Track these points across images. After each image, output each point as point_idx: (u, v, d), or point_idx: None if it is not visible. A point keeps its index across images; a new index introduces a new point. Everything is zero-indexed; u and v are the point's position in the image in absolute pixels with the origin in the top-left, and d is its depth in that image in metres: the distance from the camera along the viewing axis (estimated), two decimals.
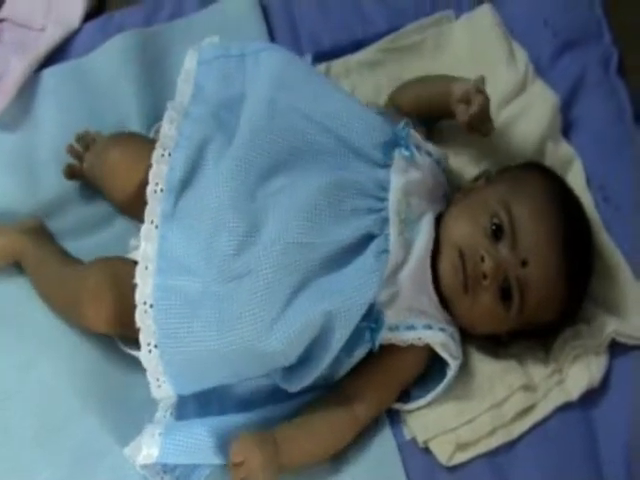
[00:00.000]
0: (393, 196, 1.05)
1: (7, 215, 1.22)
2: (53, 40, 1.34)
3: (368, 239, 1.04)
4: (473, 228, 1.06)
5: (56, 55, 1.35)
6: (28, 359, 1.14)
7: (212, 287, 1.00)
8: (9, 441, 1.09)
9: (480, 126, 1.12)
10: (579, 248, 1.08)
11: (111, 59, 1.30)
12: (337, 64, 1.35)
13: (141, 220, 1.06)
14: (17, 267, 1.20)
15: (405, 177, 1.07)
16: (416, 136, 1.11)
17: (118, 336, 1.12)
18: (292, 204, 1.03)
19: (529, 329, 1.09)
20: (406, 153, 1.08)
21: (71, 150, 1.26)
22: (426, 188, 1.11)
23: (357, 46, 1.36)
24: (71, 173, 1.26)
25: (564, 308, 1.08)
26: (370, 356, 1.05)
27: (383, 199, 1.06)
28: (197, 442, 1.00)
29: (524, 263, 1.03)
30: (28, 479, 1.06)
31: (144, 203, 1.05)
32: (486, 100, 1.10)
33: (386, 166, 1.07)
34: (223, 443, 1.01)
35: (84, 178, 1.26)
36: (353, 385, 1.06)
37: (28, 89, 1.31)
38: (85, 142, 1.26)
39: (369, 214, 1.05)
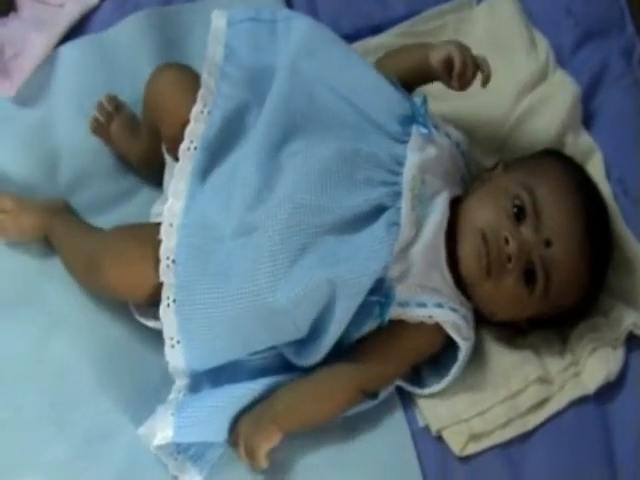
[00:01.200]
0: (408, 171, 1.05)
1: (28, 189, 1.22)
2: (72, 17, 1.34)
3: (379, 210, 1.04)
4: (495, 211, 1.06)
5: (75, 32, 1.34)
6: (41, 337, 1.14)
7: (227, 242, 1.03)
8: (22, 419, 1.09)
9: (472, 79, 1.10)
10: (600, 227, 1.08)
11: (131, 36, 1.30)
12: (356, 47, 1.33)
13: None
14: (28, 245, 1.20)
15: (422, 154, 1.07)
16: (435, 116, 1.11)
17: (136, 303, 1.11)
18: (306, 167, 1.04)
19: (549, 316, 1.08)
20: (424, 130, 1.08)
21: (101, 108, 1.26)
22: (443, 168, 1.10)
23: (376, 30, 1.36)
24: (97, 129, 1.26)
25: (586, 290, 1.07)
26: (380, 329, 1.05)
27: (398, 173, 1.06)
28: (208, 415, 1.02)
29: (548, 243, 1.03)
30: (40, 456, 1.06)
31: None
32: (464, 54, 1.07)
33: (403, 142, 1.08)
34: (233, 415, 1.03)
35: (107, 138, 1.26)
36: (360, 352, 1.06)
37: (46, 65, 1.30)
38: (115, 104, 1.26)
39: (382, 186, 1.05)
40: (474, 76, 1.08)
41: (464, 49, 1.08)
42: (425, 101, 1.09)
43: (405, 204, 1.03)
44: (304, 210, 1.01)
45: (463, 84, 1.08)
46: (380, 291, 1.01)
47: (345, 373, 1.05)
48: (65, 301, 1.16)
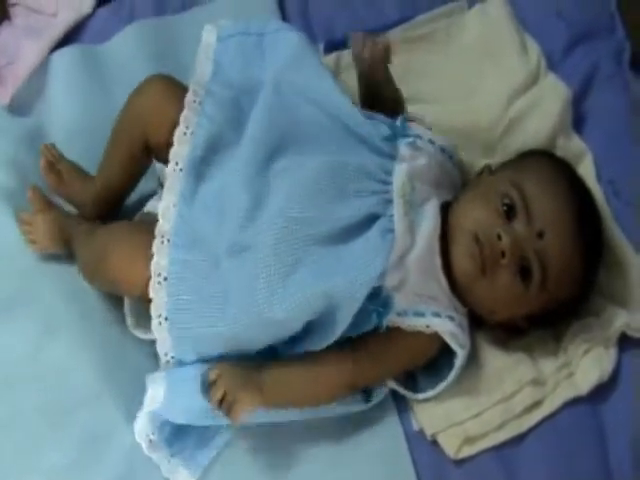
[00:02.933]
0: (397, 178, 1.06)
1: (21, 197, 1.22)
2: (65, 25, 1.35)
3: (372, 219, 1.05)
4: (485, 211, 1.07)
5: (68, 40, 1.35)
6: (38, 340, 1.14)
7: (221, 262, 1.04)
8: (18, 423, 1.09)
9: (378, 69, 1.14)
10: (591, 216, 1.09)
11: (124, 46, 1.31)
12: (348, 54, 1.34)
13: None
14: (20, 246, 1.20)
15: (410, 164, 1.08)
16: (417, 126, 1.12)
17: (135, 295, 1.10)
18: (295, 182, 1.05)
19: (547, 311, 1.09)
20: (409, 140, 1.09)
21: (46, 151, 1.22)
22: (431, 174, 1.11)
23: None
24: (47, 168, 1.23)
25: (581, 280, 1.08)
26: (377, 331, 1.05)
27: (387, 182, 1.07)
28: (197, 373, 1.02)
29: (540, 235, 1.04)
30: (38, 461, 1.07)
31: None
32: (369, 43, 1.12)
33: (392, 157, 1.09)
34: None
35: (58, 179, 1.23)
36: (352, 347, 1.06)
37: (40, 72, 1.31)
38: (54, 153, 1.24)
39: (373, 195, 1.06)
40: (376, 50, 1.12)
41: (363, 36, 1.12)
42: (404, 120, 1.11)
43: (397, 210, 1.04)
44: (295, 224, 1.02)
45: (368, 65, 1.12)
46: (378, 300, 1.02)
47: (336, 365, 1.05)
48: (63, 303, 1.16)
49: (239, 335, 1.02)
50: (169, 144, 1.10)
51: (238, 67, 1.15)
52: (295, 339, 1.04)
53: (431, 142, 1.13)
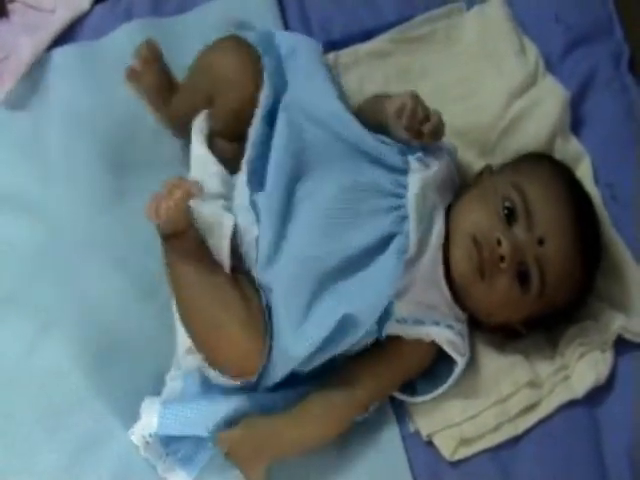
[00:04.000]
0: (411, 192, 1.06)
1: (17, 193, 1.22)
2: (63, 22, 1.34)
3: (388, 239, 1.04)
4: (486, 214, 1.06)
5: (66, 37, 1.34)
6: (32, 342, 1.14)
7: None
8: (13, 426, 1.09)
9: (421, 128, 1.06)
10: (591, 223, 1.10)
11: (124, 44, 1.29)
12: (346, 54, 1.34)
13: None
14: (20, 245, 1.19)
15: (422, 174, 1.08)
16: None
17: None
18: (310, 215, 1.05)
19: (545, 315, 1.09)
20: (418, 154, 1.08)
21: (137, 54, 1.22)
22: (441, 180, 1.11)
23: (367, 36, 1.36)
24: (131, 75, 1.23)
25: (581, 285, 1.08)
26: (376, 346, 1.06)
27: (401, 196, 1.06)
28: (197, 414, 1.02)
29: (541, 242, 1.04)
30: (33, 464, 1.06)
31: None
32: (415, 102, 1.06)
33: (404, 171, 1.08)
34: (223, 417, 1.02)
35: (141, 87, 1.23)
36: (355, 371, 1.06)
37: (37, 69, 1.31)
38: (153, 52, 1.22)
39: (388, 213, 1.05)
40: (422, 124, 1.06)
41: (417, 99, 1.07)
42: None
43: (412, 226, 1.04)
44: (312, 261, 1.02)
45: (411, 132, 1.06)
46: None
47: (342, 398, 1.04)
48: (57, 304, 1.15)
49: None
50: (238, 113, 1.11)
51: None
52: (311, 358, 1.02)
53: (439, 147, 1.12)
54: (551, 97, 1.25)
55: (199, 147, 1.12)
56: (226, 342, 1.00)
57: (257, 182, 1.09)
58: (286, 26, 1.35)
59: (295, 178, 1.07)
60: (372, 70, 1.33)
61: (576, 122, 1.26)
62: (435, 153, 1.11)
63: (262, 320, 1.00)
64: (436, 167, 1.09)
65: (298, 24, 1.36)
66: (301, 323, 0.99)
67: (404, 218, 1.05)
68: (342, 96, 1.17)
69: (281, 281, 1.02)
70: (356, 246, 1.03)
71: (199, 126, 1.14)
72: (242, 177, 1.10)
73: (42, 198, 1.23)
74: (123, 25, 1.33)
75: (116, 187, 1.25)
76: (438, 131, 1.07)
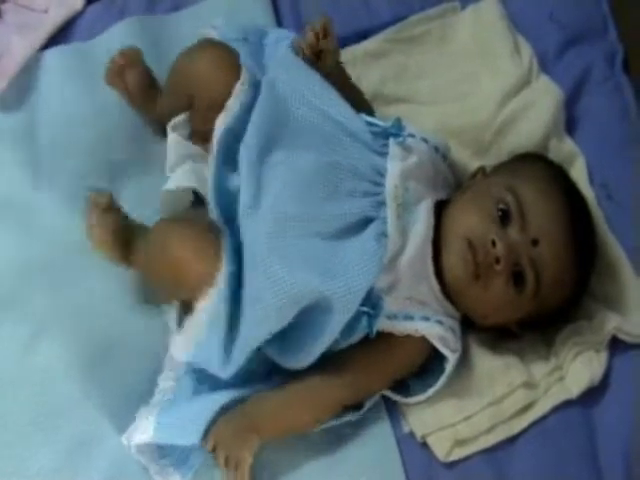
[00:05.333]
0: (390, 181, 1.06)
1: (8, 195, 1.22)
2: (55, 21, 1.34)
3: (365, 222, 1.04)
4: (480, 217, 1.06)
5: (59, 36, 1.35)
6: (26, 343, 1.13)
7: None
8: (7, 427, 1.08)
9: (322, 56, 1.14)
10: (586, 224, 1.10)
11: (117, 43, 1.29)
12: (342, 53, 1.33)
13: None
14: (15, 247, 1.19)
15: (402, 163, 1.08)
16: (409, 125, 1.12)
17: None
18: (286, 179, 1.05)
19: (541, 317, 1.09)
20: (399, 139, 1.09)
21: (120, 56, 1.25)
22: (424, 173, 1.11)
23: (363, 36, 1.36)
24: (111, 78, 1.26)
25: (575, 286, 1.08)
26: (366, 340, 1.05)
27: (379, 184, 1.06)
28: (190, 418, 1.02)
29: (535, 242, 1.04)
30: (26, 466, 1.06)
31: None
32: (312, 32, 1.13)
33: (383, 154, 1.08)
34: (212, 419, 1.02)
35: (123, 88, 1.26)
36: (345, 368, 1.05)
37: (30, 69, 1.31)
38: (133, 56, 1.26)
39: (365, 197, 1.06)
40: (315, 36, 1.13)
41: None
42: (397, 120, 1.11)
43: (390, 214, 1.04)
44: (285, 220, 1.02)
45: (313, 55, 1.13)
46: (369, 302, 1.01)
47: (328, 386, 1.05)
48: (52, 306, 1.15)
49: None
50: (212, 113, 1.13)
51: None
52: (287, 344, 1.03)
53: (424, 140, 1.12)
54: (545, 97, 1.25)
55: (171, 136, 1.18)
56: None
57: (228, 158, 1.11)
58: (280, 26, 1.36)
59: (274, 140, 1.09)
60: (368, 70, 1.33)
61: (570, 121, 1.26)
62: (420, 144, 1.11)
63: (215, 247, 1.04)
64: (416, 159, 1.09)
65: (292, 24, 1.36)
66: (278, 271, 0.99)
67: (382, 204, 1.05)
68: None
69: (258, 238, 1.02)
70: (333, 215, 1.03)
71: (175, 126, 1.19)
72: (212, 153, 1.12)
73: (34, 200, 1.22)
74: (116, 24, 1.33)
75: (109, 188, 1.22)
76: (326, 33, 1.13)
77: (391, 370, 1.08)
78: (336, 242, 1.03)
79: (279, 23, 1.36)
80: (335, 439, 1.07)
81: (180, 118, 1.20)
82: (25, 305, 1.16)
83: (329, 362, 1.05)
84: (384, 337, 1.04)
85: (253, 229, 1.04)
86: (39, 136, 1.27)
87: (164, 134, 1.23)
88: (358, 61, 1.33)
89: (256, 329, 1.01)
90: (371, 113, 1.19)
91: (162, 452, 1.04)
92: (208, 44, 1.19)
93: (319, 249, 1.02)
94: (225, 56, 1.16)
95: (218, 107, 1.14)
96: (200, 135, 1.18)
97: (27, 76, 1.30)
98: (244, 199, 1.06)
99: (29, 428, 1.08)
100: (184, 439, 1.02)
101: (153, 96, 1.25)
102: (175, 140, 1.19)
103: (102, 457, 1.06)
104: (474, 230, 1.05)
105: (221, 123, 1.12)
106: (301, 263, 1.00)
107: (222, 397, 1.04)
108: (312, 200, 1.04)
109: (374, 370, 1.06)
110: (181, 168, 1.16)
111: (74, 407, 1.09)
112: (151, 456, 1.04)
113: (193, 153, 1.18)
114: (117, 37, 1.32)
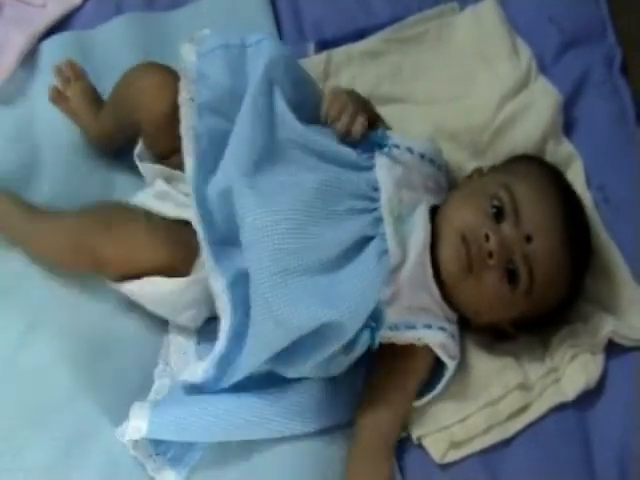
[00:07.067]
0: (384, 195, 1.06)
1: (10, 186, 1.20)
2: (53, 16, 1.35)
3: (365, 241, 1.03)
4: (474, 212, 1.06)
5: (57, 32, 1.34)
6: (19, 339, 1.12)
7: None
8: (1, 423, 1.07)
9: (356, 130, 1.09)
10: (580, 223, 1.10)
11: (114, 36, 1.30)
12: (339, 53, 1.34)
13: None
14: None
15: (392, 173, 1.07)
16: (393, 135, 1.11)
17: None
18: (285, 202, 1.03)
19: (534, 316, 1.08)
20: (385, 150, 1.08)
21: (59, 73, 1.26)
22: (415, 181, 1.11)
23: (360, 35, 1.36)
24: (55, 97, 1.26)
25: (569, 284, 1.08)
26: (378, 370, 1.07)
27: (375, 199, 1.06)
28: (186, 419, 1.01)
29: (528, 239, 1.04)
30: (21, 461, 1.05)
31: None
32: (333, 99, 1.09)
33: (370, 167, 1.08)
34: (212, 422, 1.01)
35: (65, 107, 1.26)
36: (369, 403, 1.06)
37: (29, 61, 1.31)
38: (74, 71, 1.26)
39: (362, 214, 1.05)
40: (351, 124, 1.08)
41: (338, 100, 1.09)
42: (382, 130, 1.10)
43: (388, 229, 1.03)
44: (288, 253, 0.99)
45: (341, 133, 1.09)
46: (371, 315, 1.00)
47: (379, 435, 1.05)
48: (46, 301, 1.15)
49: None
50: (158, 136, 1.13)
51: (224, 76, 1.13)
52: (287, 352, 1.01)
53: (409, 150, 1.11)
54: (543, 99, 1.26)
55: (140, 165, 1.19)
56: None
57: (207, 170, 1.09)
58: (279, 25, 1.36)
59: (265, 158, 1.06)
60: (365, 70, 1.33)
61: (568, 124, 1.27)
62: (404, 154, 1.10)
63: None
64: (402, 170, 1.09)
65: (291, 23, 1.37)
66: (282, 310, 0.97)
67: (379, 220, 1.04)
68: (306, 92, 1.17)
69: (258, 278, 1.00)
70: (332, 243, 1.01)
71: (139, 155, 1.19)
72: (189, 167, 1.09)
73: (32, 193, 1.21)
74: (114, 18, 1.33)
75: (106, 178, 1.25)
76: (346, 129, 1.08)
77: (407, 386, 1.07)
78: (338, 269, 1.02)
79: (278, 23, 1.36)
80: (331, 440, 1.07)
81: (139, 147, 1.19)
82: (20, 299, 1.15)
83: (362, 413, 1.06)
84: (389, 357, 1.06)
85: (254, 252, 1.01)
86: (36, 130, 1.26)
87: (104, 149, 1.25)
88: (355, 61, 1.33)
89: (257, 354, 1.01)
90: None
91: (158, 449, 1.03)
92: (149, 65, 1.18)
93: (321, 280, 1.00)
94: (165, 76, 1.15)
95: (166, 126, 1.12)
96: (165, 152, 1.17)
97: (25, 68, 1.30)
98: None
99: (23, 424, 1.07)
100: (178, 436, 1.01)
101: (96, 112, 1.25)
102: (144, 167, 1.19)
103: (97, 453, 1.05)
104: (468, 225, 1.05)
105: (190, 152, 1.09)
106: (304, 298, 0.98)
107: (217, 396, 1.04)
108: (310, 227, 1.02)
109: (393, 393, 1.06)
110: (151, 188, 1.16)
111: (69, 403, 1.08)
112: (147, 453, 1.03)
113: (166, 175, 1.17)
114: (115, 31, 1.32)
